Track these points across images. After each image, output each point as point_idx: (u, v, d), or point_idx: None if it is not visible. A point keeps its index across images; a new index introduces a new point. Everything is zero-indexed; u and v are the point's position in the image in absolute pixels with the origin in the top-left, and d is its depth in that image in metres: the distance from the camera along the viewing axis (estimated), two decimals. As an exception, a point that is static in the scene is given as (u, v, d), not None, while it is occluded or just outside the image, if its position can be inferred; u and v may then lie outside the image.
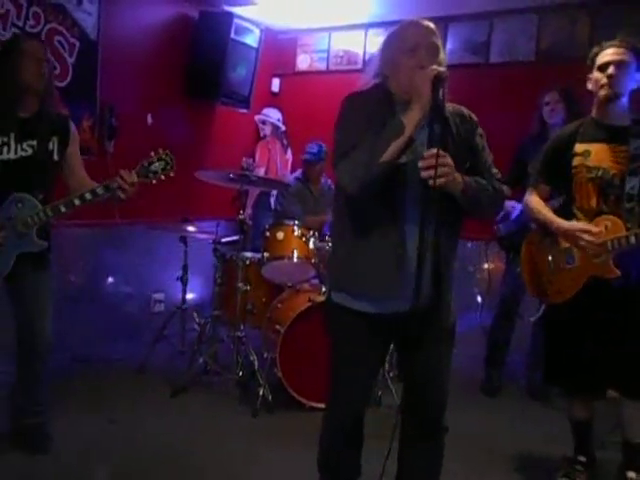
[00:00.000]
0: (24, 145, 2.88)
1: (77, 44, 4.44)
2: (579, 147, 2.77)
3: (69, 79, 4.43)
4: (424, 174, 1.91)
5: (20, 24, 4.05)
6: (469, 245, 5.13)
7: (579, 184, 2.75)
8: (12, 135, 2.86)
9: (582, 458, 2.96)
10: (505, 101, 5.11)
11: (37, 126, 2.92)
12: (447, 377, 2.26)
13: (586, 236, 2.66)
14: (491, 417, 3.90)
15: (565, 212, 2.83)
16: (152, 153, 2.89)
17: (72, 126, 3.12)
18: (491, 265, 4.92)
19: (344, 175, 2.06)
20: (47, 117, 2.99)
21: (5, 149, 2.84)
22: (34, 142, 2.90)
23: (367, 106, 2.11)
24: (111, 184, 2.83)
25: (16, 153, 2.86)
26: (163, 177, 2.89)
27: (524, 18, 5.14)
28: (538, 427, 3.70)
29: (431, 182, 1.89)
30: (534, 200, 2.96)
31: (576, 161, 2.76)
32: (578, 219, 2.76)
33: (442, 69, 1.96)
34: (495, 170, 2.27)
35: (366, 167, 1.96)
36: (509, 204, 4.24)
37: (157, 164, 2.87)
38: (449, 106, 2.09)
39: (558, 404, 3.71)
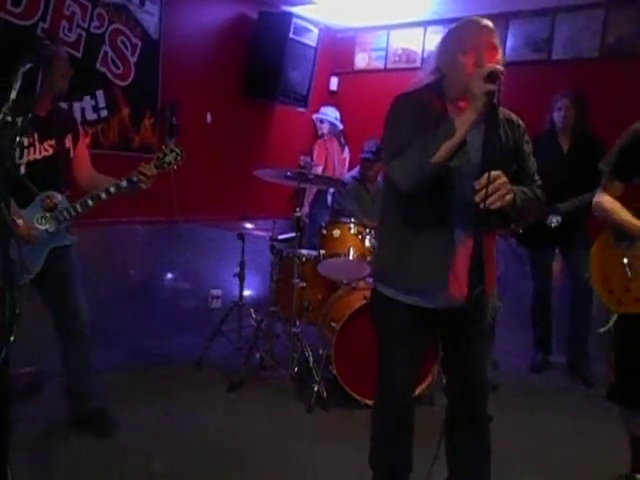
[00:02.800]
0: (45, 145, 3.01)
1: (139, 44, 4.54)
2: None
3: (131, 78, 4.54)
4: (477, 198, 1.93)
5: (85, 25, 4.17)
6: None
7: None
8: (35, 135, 2.97)
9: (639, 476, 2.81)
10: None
11: (53, 125, 3.05)
12: (487, 368, 2.36)
13: None
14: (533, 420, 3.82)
15: None
16: (163, 146, 3.10)
17: (78, 123, 3.29)
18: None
19: (396, 173, 2.07)
20: (61, 115, 3.16)
21: (32, 150, 2.96)
22: (53, 142, 3.03)
23: (418, 106, 2.12)
24: (133, 177, 2.99)
25: (40, 153, 2.99)
26: (176, 167, 3.09)
27: (589, 13, 5.01)
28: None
29: (483, 205, 1.92)
30: (608, 200, 2.72)
31: None
32: None
33: (498, 67, 1.94)
34: (537, 177, 2.29)
35: (418, 166, 1.98)
36: None
37: (170, 156, 3.05)
38: (500, 111, 2.07)
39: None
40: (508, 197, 1.95)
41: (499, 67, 1.94)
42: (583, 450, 3.39)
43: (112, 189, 3.01)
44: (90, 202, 3.00)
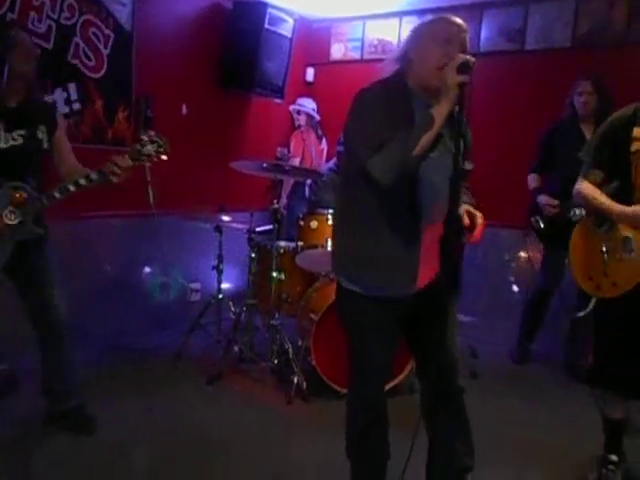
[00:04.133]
0: (14, 134, 2.90)
1: (112, 35, 4.48)
2: (638, 131, 2.65)
3: (104, 70, 4.48)
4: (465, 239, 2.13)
5: (55, 16, 4.10)
6: (504, 233, 5.08)
7: (639, 169, 2.64)
8: (1, 125, 2.88)
9: (614, 457, 2.87)
10: (540, 88, 5.04)
11: (25, 115, 2.95)
12: (455, 342, 2.33)
13: None
14: (521, 407, 3.86)
15: (620, 199, 2.70)
16: (144, 136, 2.89)
17: (58, 113, 3.18)
18: (529, 254, 4.86)
19: (378, 168, 2.04)
20: (34, 106, 3.03)
21: None
22: (23, 131, 2.93)
23: (386, 100, 2.12)
24: (105, 169, 2.85)
25: (6, 142, 2.89)
26: (156, 159, 2.91)
27: (560, 4, 5.05)
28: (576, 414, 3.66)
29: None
30: (587, 187, 2.81)
31: (635, 146, 2.64)
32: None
33: (470, 57, 1.96)
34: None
35: (400, 160, 1.99)
36: (542, 199, 4.22)
37: (149, 147, 2.87)
38: None
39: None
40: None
41: (471, 58, 1.95)
42: (565, 434, 3.45)
43: (82, 181, 2.87)
44: (57, 194, 2.87)
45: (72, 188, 2.88)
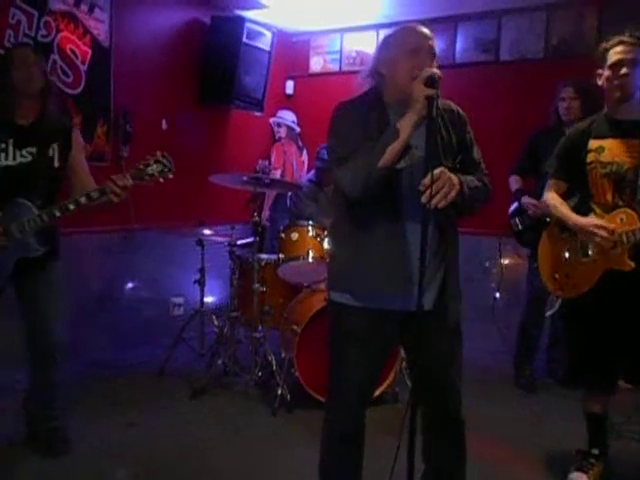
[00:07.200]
0: (23, 152, 2.89)
1: (89, 52, 4.50)
2: (593, 143, 2.78)
3: (82, 86, 4.49)
4: (423, 199, 1.92)
5: (32, 34, 4.11)
6: (485, 241, 5.12)
7: (594, 180, 2.77)
8: (10, 142, 2.87)
9: (595, 451, 2.97)
10: (516, 98, 5.12)
11: (37, 133, 2.94)
12: (458, 373, 2.27)
13: (601, 232, 2.66)
14: (507, 409, 3.89)
15: (582, 208, 2.84)
16: (148, 156, 2.82)
17: (75, 132, 3.15)
18: (506, 261, 4.90)
19: (344, 180, 2.09)
20: (48, 123, 2.99)
21: (3, 155, 2.86)
22: (33, 149, 2.91)
23: (360, 113, 2.14)
24: (105, 188, 2.80)
25: (15, 159, 2.88)
26: (162, 180, 2.82)
27: (532, 16, 5.17)
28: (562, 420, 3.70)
29: (429, 205, 1.93)
30: (552, 196, 2.96)
31: (590, 157, 2.77)
32: (596, 214, 2.77)
33: (436, 71, 1.98)
34: (483, 166, 2.32)
35: (365, 172, 2.00)
36: (525, 199, 4.24)
37: (154, 166, 2.79)
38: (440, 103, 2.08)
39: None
40: (452, 194, 1.97)
41: (437, 71, 1.97)
42: (550, 433, 3.53)
43: (82, 200, 2.79)
44: (57, 212, 2.82)
45: (72, 207, 2.82)
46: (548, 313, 3.28)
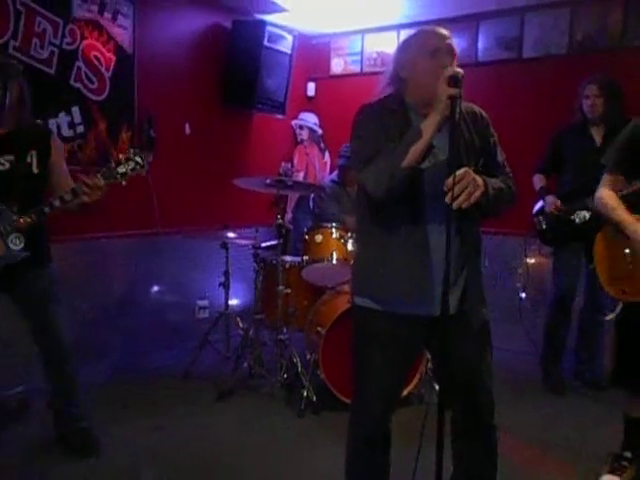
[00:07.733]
0: (1, 160, 2.90)
1: (113, 58, 4.55)
2: None
3: (106, 93, 4.54)
4: (447, 199, 1.90)
5: (57, 42, 4.17)
6: (510, 240, 5.08)
7: None
8: None
9: (628, 454, 2.90)
10: (539, 96, 5.07)
11: (14, 141, 2.94)
12: (488, 377, 2.23)
13: None
14: (535, 411, 3.86)
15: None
16: (120, 155, 2.84)
17: (53, 138, 3.16)
18: (532, 260, 4.85)
19: (368, 182, 2.08)
20: (25, 132, 3.01)
21: None
22: (11, 157, 2.92)
23: (382, 115, 2.13)
24: (76, 189, 2.81)
25: None
26: (137, 175, 2.85)
27: (556, 12, 5.10)
28: (590, 421, 3.67)
29: (454, 205, 1.91)
30: (609, 195, 2.77)
31: None
32: None
33: (459, 70, 1.96)
34: (508, 168, 2.29)
35: (389, 173, 1.99)
36: (549, 198, 4.20)
37: (125, 165, 2.81)
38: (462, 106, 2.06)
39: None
40: (476, 194, 1.95)
41: (460, 70, 1.95)
42: (580, 433, 3.49)
43: (56, 202, 2.83)
44: (34, 217, 2.84)
45: (47, 210, 2.85)
46: (608, 317, 3.04)
